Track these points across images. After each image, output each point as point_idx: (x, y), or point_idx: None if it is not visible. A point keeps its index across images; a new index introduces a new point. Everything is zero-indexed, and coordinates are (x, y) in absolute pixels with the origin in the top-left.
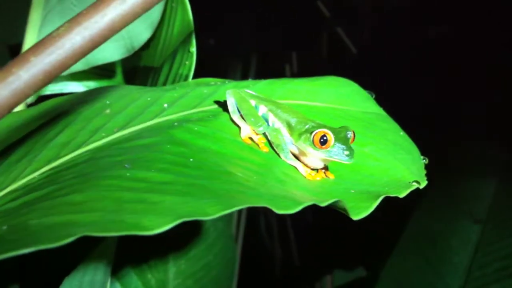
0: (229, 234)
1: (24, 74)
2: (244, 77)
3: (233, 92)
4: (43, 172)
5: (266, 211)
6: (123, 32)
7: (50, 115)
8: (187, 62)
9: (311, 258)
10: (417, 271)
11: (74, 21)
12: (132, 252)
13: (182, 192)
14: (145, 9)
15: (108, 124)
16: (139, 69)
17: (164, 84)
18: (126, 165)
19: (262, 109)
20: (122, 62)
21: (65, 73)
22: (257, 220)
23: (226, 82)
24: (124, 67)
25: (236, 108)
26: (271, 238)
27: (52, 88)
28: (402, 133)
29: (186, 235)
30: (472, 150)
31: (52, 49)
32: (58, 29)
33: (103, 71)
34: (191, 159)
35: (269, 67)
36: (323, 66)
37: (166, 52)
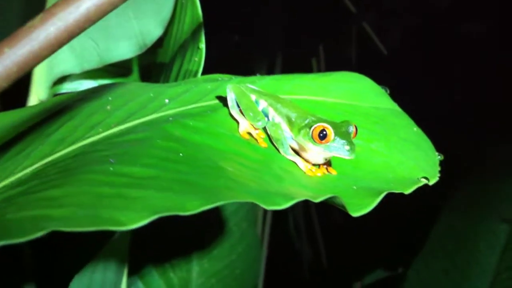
0: (253, 234)
1: None
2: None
3: (233, 87)
4: (35, 168)
5: (294, 211)
6: (135, 29)
7: (51, 111)
8: (196, 59)
9: (339, 259)
10: (444, 273)
11: (48, 12)
12: (154, 251)
13: (164, 187)
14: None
15: (107, 119)
16: (154, 66)
17: (176, 80)
18: (111, 160)
19: (262, 104)
20: (138, 60)
21: (79, 71)
22: (284, 219)
23: (233, 78)
24: (140, 64)
25: (235, 103)
26: (299, 238)
27: (67, 87)
28: (416, 129)
29: (209, 234)
30: (503, 150)
31: (26, 40)
32: (33, 20)
33: (118, 69)
34: (181, 154)
35: (295, 66)
36: (351, 66)
37: (177, 49)
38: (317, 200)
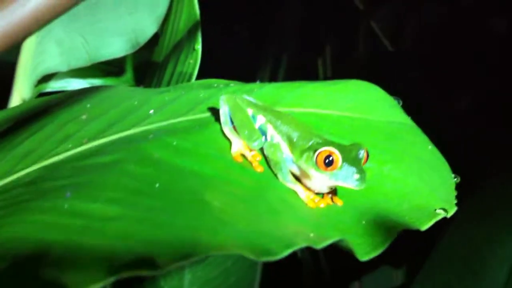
0: None
1: None
2: (273, 75)
3: (227, 99)
4: None
5: None
6: (128, 26)
7: (24, 117)
8: (191, 61)
9: (340, 263)
10: (449, 287)
11: None
12: None
13: (128, 233)
14: None
15: (79, 132)
16: (149, 66)
17: (169, 83)
18: (68, 194)
19: (260, 120)
20: (131, 59)
21: (66, 69)
22: None
23: (231, 84)
24: (134, 63)
25: (228, 118)
26: None
27: (53, 85)
28: (431, 146)
29: None
30: None
31: None
32: None
33: (110, 67)
34: (157, 184)
35: (301, 65)
36: (359, 65)
37: (171, 49)
38: (319, 246)
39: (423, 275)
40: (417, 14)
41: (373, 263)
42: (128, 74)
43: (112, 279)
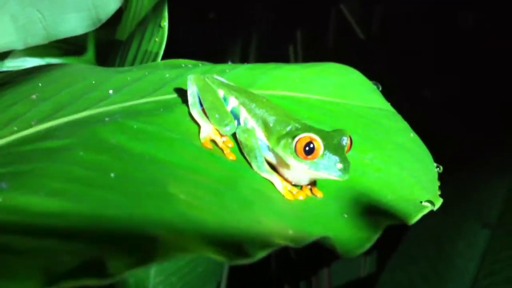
0: None
1: None
2: (243, 58)
3: (196, 78)
4: None
5: None
6: (88, 1)
7: None
8: (157, 39)
9: (308, 251)
10: (420, 276)
11: None
12: None
13: (70, 232)
14: None
15: (28, 113)
16: (113, 45)
17: (133, 63)
18: (3, 185)
19: (233, 102)
20: (93, 37)
21: (23, 47)
22: None
23: (200, 64)
24: (96, 42)
25: (197, 100)
26: None
27: (9, 65)
28: (412, 134)
29: None
30: (487, 150)
31: None
32: None
33: (70, 46)
34: (112, 174)
35: (272, 49)
36: (330, 52)
37: (136, 26)
38: (300, 245)
39: (393, 266)
40: (389, 2)
41: None
42: (90, 54)
43: None
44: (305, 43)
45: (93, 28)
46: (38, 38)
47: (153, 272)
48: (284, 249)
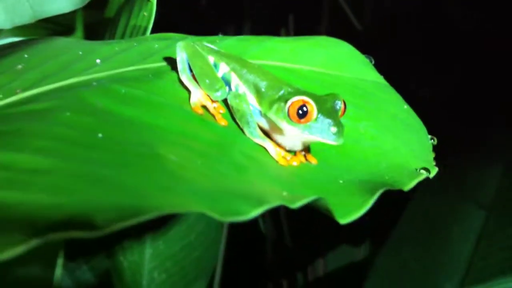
0: None
1: None
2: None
3: (185, 45)
4: None
5: None
6: None
7: None
8: (145, 13)
9: (303, 239)
10: (415, 259)
11: None
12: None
13: (61, 187)
14: None
15: (13, 83)
16: (101, 24)
17: (122, 38)
18: None
19: (223, 68)
20: (81, 16)
21: (10, 27)
22: None
23: (189, 37)
24: (84, 21)
25: (187, 66)
26: (262, 217)
27: None
28: (406, 106)
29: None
30: (482, 134)
31: None
32: None
33: (57, 26)
34: (100, 135)
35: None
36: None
37: (123, 2)
38: (295, 205)
39: (387, 247)
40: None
41: (337, 239)
42: (78, 33)
43: (37, 242)
44: (298, 30)
45: (81, 6)
46: (25, 17)
47: (148, 257)
48: (279, 237)
